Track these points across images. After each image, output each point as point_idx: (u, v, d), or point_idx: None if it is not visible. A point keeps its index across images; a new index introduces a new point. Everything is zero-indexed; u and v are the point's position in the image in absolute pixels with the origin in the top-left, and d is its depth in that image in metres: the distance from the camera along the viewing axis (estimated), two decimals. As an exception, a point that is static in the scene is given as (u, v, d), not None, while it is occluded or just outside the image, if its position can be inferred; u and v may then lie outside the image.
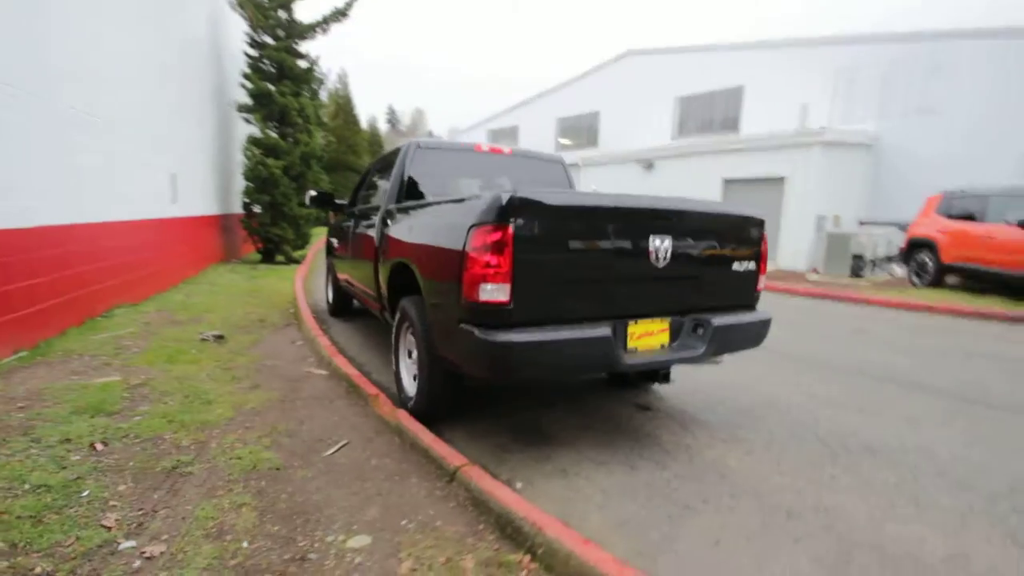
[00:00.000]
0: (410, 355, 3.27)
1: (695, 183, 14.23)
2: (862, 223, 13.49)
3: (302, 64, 9.72)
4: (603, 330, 2.38)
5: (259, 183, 9.26)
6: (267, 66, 9.46)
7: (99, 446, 2.43)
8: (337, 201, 5.51)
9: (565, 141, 22.31)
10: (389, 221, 3.62)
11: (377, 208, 4.11)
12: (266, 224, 9.64)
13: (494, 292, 2.22)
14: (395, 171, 3.89)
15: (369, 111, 62.98)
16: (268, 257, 10.16)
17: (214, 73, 9.16)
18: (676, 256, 2.60)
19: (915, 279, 9.16)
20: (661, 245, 2.55)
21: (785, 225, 12.93)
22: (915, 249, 9.14)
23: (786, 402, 3.65)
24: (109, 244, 5.19)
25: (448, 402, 2.96)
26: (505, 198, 2.21)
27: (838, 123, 13.97)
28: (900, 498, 2.41)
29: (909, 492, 2.47)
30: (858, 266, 11.00)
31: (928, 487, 2.52)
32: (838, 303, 8.35)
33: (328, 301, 6.31)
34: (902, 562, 1.94)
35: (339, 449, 2.65)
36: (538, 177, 4.39)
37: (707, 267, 2.80)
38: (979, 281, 8.18)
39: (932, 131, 13.25)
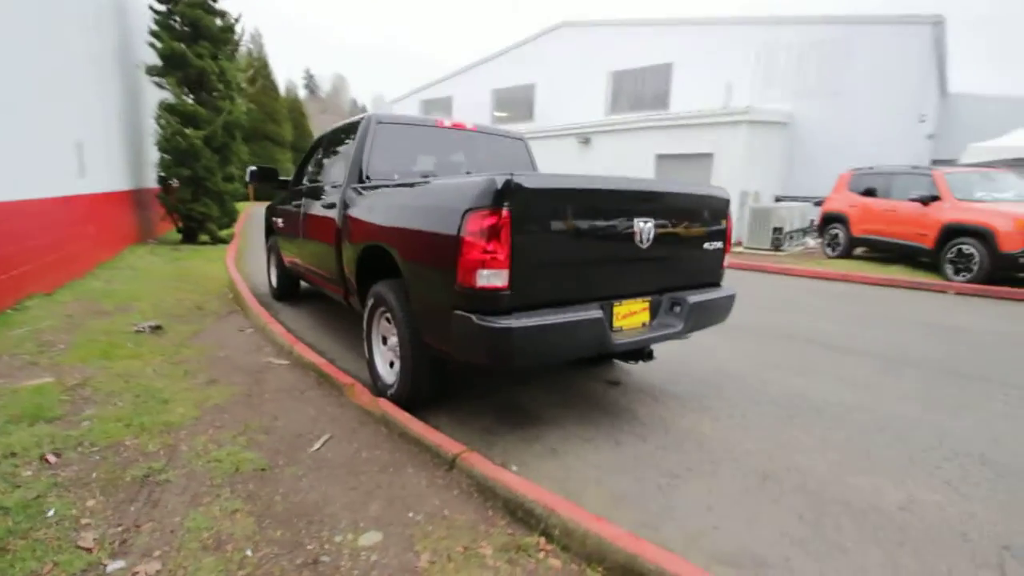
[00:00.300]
0: (384, 341, 3.18)
1: (630, 159, 14.61)
2: (778, 199, 14.53)
3: (220, 22, 8.82)
4: (596, 312, 2.43)
5: (177, 155, 8.43)
6: (178, 24, 8.50)
7: (52, 458, 2.18)
8: (281, 178, 5.16)
9: (500, 114, 22.04)
10: (351, 201, 3.44)
11: (333, 186, 3.89)
12: (187, 200, 8.83)
13: (491, 278, 2.19)
14: (355, 147, 3.67)
15: (285, 75, 58.77)
16: (190, 237, 9.36)
17: (117, 29, 8.11)
18: (657, 237, 2.68)
19: (828, 250, 10.05)
20: (645, 227, 2.62)
21: (714, 200, 13.65)
22: (829, 223, 9.99)
23: (737, 369, 3.92)
24: (13, 227, 4.55)
25: (432, 388, 2.91)
26: (501, 181, 2.16)
27: (758, 102, 14.80)
28: (853, 453, 2.69)
29: (859, 447, 2.76)
30: (778, 239, 11.88)
31: (874, 441, 2.83)
32: (764, 274, 9.00)
33: (271, 284, 5.94)
34: (867, 512, 2.18)
35: (324, 443, 2.55)
36: (501, 155, 4.32)
37: (682, 247, 2.91)
38: (884, 252, 9.11)
39: (840, 111, 14.38)
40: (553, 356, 2.41)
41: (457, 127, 4.09)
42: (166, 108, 8.34)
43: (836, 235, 9.82)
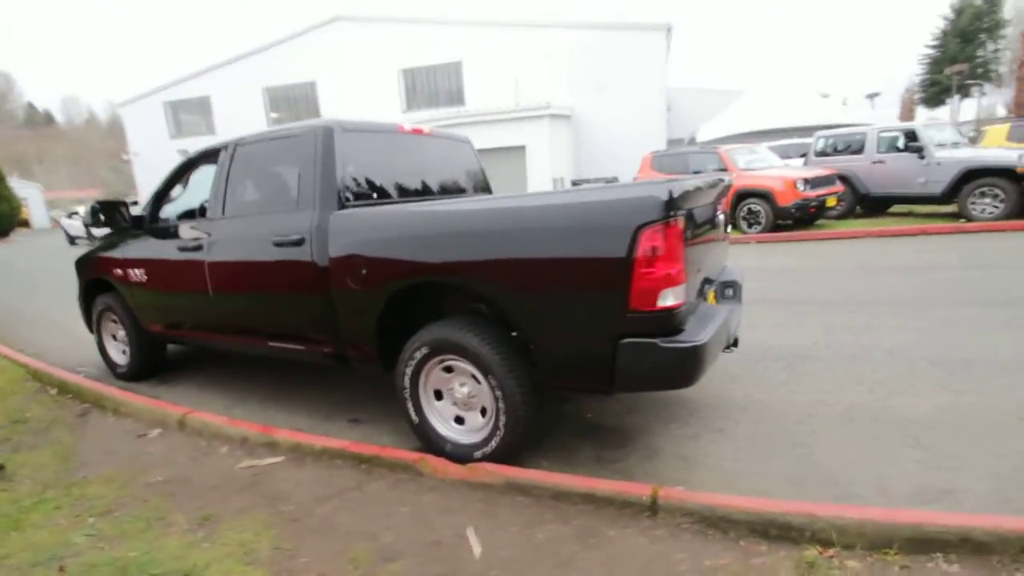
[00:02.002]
0: (439, 396, 2.63)
1: (446, 155, 14.63)
2: (575, 182, 16.36)
3: None
4: (723, 309, 2.43)
5: None
6: None
7: None
8: (135, 214, 3.75)
9: (277, 115, 19.61)
10: (347, 232, 2.71)
11: (277, 216, 3.00)
12: None
13: (670, 296, 2.00)
14: (313, 162, 2.88)
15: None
16: None
17: None
18: (723, 224, 2.81)
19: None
20: (721, 217, 2.70)
21: (531, 186, 14.66)
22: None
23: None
24: None
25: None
26: (665, 191, 1.97)
27: (544, 98, 16.30)
28: (867, 381, 3.22)
29: (864, 376, 3.31)
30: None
31: (866, 369, 3.42)
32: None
33: (110, 363, 4.31)
34: (933, 424, 2.66)
35: (477, 542, 2.00)
36: (454, 159, 3.89)
37: (723, 232, 3.09)
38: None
39: (607, 103, 16.80)
40: (711, 364, 2.32)
41: (416, 132, 3.54)
42: None
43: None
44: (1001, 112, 39.27)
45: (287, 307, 3.03)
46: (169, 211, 3.83)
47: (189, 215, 3.80)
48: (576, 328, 2.15)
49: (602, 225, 2.02)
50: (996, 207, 8.10)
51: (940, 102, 39.36)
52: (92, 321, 4.35)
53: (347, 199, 2.86)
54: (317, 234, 2.78)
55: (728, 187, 3.28)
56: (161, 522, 2.24)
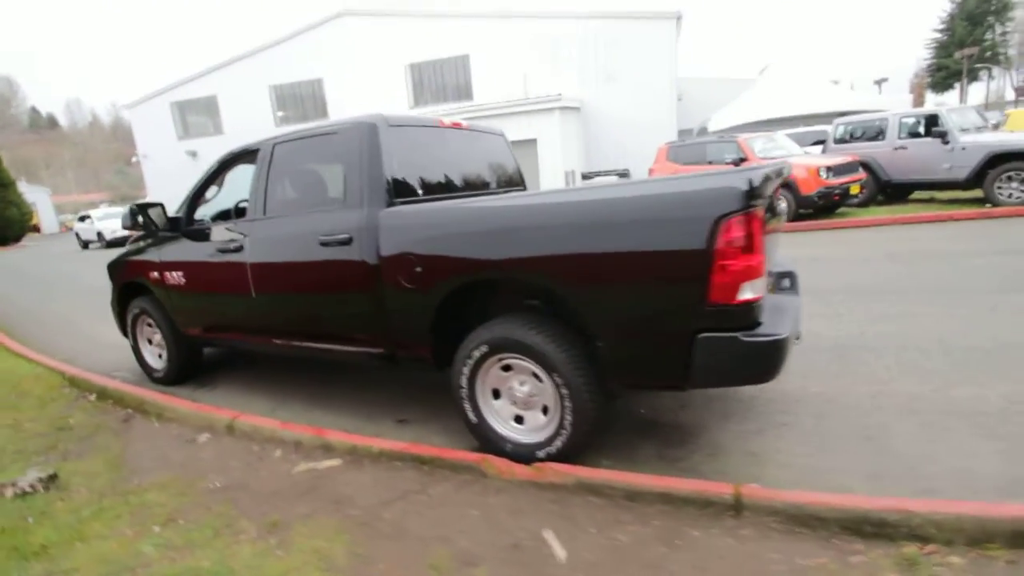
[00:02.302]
0: (496, 395, 2.58)
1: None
2: (585, 176, 16.24)
3: None
4: (789, 301, 2.36)
5: None
6: None
7: None
8: (172, 215, 3.71)
9: (284, 112, 19.54)
10: (397, 229, 2.65)
11: (322, 214, 2.95)
12: None
13: (750, 289, 1.93)
14: (363, 159, 2.82)
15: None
16: None
17: None
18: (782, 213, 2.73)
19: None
20: (782, 206, 2.63)
21: (543, 181, 14.55)
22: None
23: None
24: None
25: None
26: (745, 180, 1.90)
27: (552, 90, 16.16)
28: (921, 373, 3.16)
29: (916, 367, 3.24)
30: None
31: (918, 359, 3.35)
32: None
33: (146, 367, 4.27)
34: (1005, 414, 2.59)
35: (559, 545, 1.95)
36: (490, 153, 3.85)
37: (780, 220, 3.02)
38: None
39: (617, 95, 16.65)
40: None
41: (456, 126, 3.48)
42: None
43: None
44: (1010, 95, 38.85)
45: (335, 307, 2.98)
46: (204, 212, 3.79)
47: (226, 216, 3.77)
48: (650, 323, 2.09)
49: (680, 217, 1.96)
50: (1023, 192, 7.96)
51: (948, 86, 38.95)
52: (127, 325, 4.32)
53: (394, 196, 2.81)
54: (367, 232, 2.73)
55: (788, 174, 3.21)
56: (229, 529, 2.20)
